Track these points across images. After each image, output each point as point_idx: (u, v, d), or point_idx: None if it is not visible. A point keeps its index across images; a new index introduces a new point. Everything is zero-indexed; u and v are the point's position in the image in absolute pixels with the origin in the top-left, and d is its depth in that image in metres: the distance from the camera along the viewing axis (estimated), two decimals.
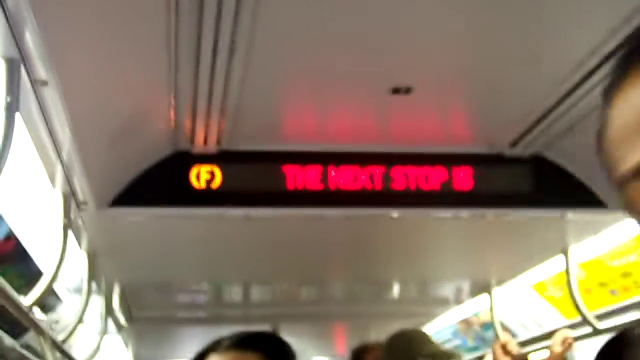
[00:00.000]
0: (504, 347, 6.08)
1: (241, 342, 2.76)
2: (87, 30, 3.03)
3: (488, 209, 4.83)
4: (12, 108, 2.80)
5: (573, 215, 4.92)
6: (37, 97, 3.10)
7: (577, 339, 5.91)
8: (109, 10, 3.01)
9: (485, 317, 8.13)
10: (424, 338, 5.55)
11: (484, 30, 3.51)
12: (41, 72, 2.95)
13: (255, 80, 3.85)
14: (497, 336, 6.81)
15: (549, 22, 3.46)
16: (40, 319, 4.65)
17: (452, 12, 3.35)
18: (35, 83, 3.00)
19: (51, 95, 3.09)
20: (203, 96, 3.95)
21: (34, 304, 4.27)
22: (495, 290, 7.18)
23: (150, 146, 4.47)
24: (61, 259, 4.25)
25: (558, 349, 5.51)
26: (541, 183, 4.88)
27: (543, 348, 6.65)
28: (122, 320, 7.77)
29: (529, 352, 6.69)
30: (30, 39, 2.73)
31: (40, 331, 4.69)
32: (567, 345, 5.54)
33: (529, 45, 3.66)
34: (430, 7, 3.29)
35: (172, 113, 4.16)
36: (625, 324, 5.82)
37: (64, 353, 5.42)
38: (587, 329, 5.83)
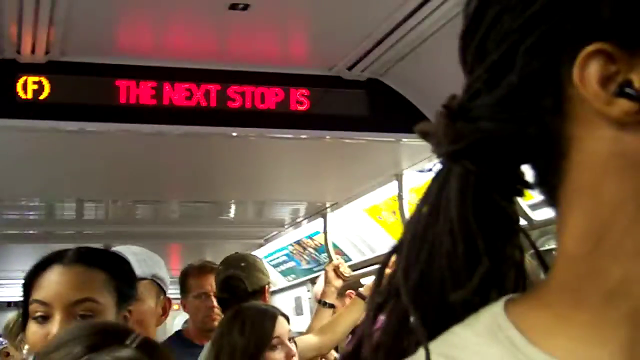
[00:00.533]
0: (336, 270, 6.20)
1: (87, 257, 2.68)
2: None
3: (324, 131, 4.83)
4: None
5: (407, 141, 4.97)
6: None
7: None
8: None
9: (319, 239, 8.23)
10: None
11: None
12: None
13: None
14: (330, 259, 6.89)
15: None
16: None
17: None
18: None
19: None
20: (29, 1, 3.75)
21: None
22: (330, 214, 7.25)
23: None
24: None
25: None
26: (377, 107, 4.92)
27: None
28: None
29: (361, 275, 6.81)
30: None
31: None
32: None
33: None
34: None
35: None
36: None
37: None
38: None
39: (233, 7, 3.97)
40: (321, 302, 5.94)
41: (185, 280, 5.85)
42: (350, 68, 4.77)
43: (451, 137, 1.00)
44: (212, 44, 4.44)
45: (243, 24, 4.15)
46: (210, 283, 5.53)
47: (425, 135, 1.07)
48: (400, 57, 4.58)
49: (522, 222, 1.14)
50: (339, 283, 6.16)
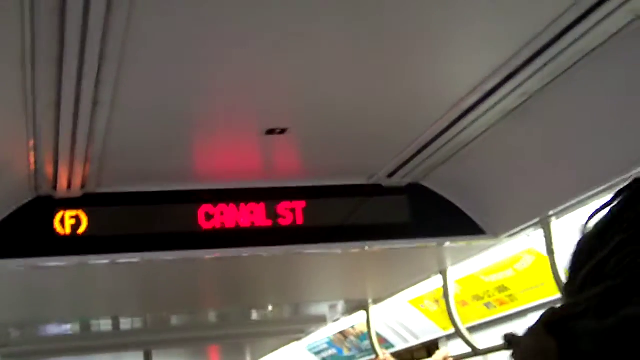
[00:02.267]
0: None
1: None
2: None
3: (366, 242, 4.71)
4: None
5: (451, 243, 4.86)
6: None
7: (457, 357, 5.93)
8: None
9: (360, 327, 8.09)
10: None
11: (359, 70, 3.40)
12: None
13: (120, 126, 3.63)
14: (375, 354, 6.73)
15: (429, 63, 3.39)
16: None
17: (327, 53, 3.23)
18: None
19: None
20: (65, 141, 3.69)
21: None
22: (373, 307, 7.11)
23: (9, 193, 4.16)
24: None
25: None
26: (419, 211, 4.81)
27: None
28: None
29: None
30: None
31: None
32: None
33: (406, 84, 3.58)
34: (301, 48, 3.16)
35: (31, 157, 3.88)
36: (499, 346, 5.84)
37: None
38: (466, 348, 5.80)
39: (270, 132, 3.91)
40: None
41: None
42: (390, 175, 4.67)
43: (549, 354, 0.92)
44: (248, 167, 4.36)
45: (280, 146, 4.09)
46: None
47: (512, 345, 0.99)
48: (442, 162, 4.49)
49: None
50: None
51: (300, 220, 4.58)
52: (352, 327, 8.47)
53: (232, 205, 4.49)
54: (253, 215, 4.51)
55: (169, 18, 2.82)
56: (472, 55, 3.35)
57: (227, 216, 4.48)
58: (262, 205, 4.53)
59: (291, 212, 4.57)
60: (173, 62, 3.14)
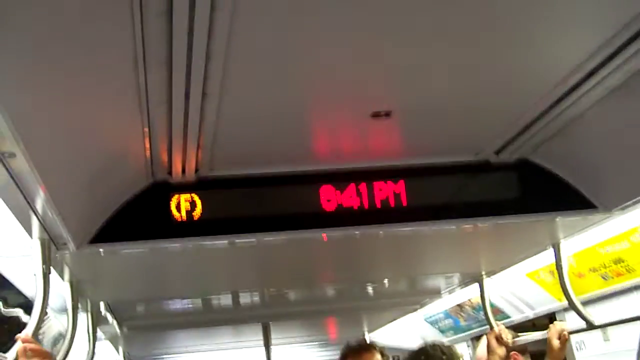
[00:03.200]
0: (498, 338, 6.06)
1: None
2: (53, 94, 2.92)
3: (478, 218, 4.73)
4: None
5: (562, 218, 4.83)
6: (5, 166, 2.97)
7: (573, 332, 5.89)
8: (75, 69, 2.90)
9: (476, 299, 8.08)
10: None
11: (465, 50, 3.41)
12: (8, 145, 2.81)
13: (230, 115, 3.75)
14: (490, 326, 6.72)
15: (534, 39, 3.38)
16: None
17: (429, 36, 3.25)
18: (3, 155, 2.87)
19: (20, 163, 2.96)
20: (178, 130, 3.83)
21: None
22: (486, 280, 7.10)
23: (127, 180, 4.35)
24: (42, 309, 4.12)
25: (556, 343, 5.46)
26: (529, 188, 4.80)
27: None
28: (110, 331, 7.70)
29: (523, 341, 6.61)
30: None
31: None
32: (564, 338, 5.49)
33: (511, 60, 3.57)
34: (405, 32, 3.20)
35: (147, 145, 4.04)
36: (617, 321, 5.79)
37: None
38: (581, 323, 5.75)
39: (375, 115, 3.97)
40: None
41: None
42: (498, 152, 4.67)
43: None
44: (356, 148, 4.42)
45: (385, 129, 4.14)
46: None
47: None
48: (549, 138, 4.46)
49: None
50: (502, 351, 6.02)
51: (412, 199, 4.64)
52: (469, 299, 8.48)
53: (346, 186, 4.58)
54: (364, 196, 4.59)
55: (271, 13, 2.89)
56: (576, 32, 3.34)
57: (340, 197, 4.57)
58: (372, 185, 4.60)
59: (403, 192, 4.63)
60: (278, 53, 3.22)
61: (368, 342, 6.79)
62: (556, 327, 5.60)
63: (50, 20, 2.50)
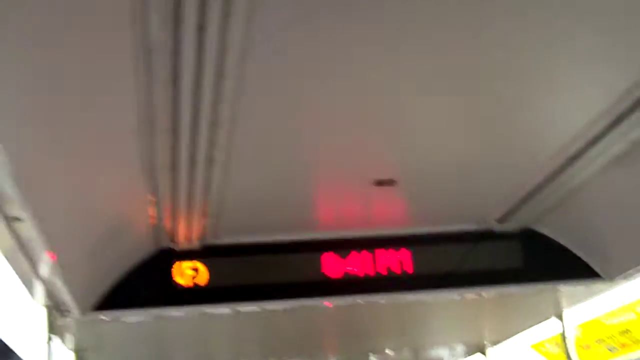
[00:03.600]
0: None
1: None
2: (61, 160, 2.95)
3: (481, 287, 4.73)
4: None
5: (565, 287, 4.84)
6: (12, 231, 3.00)
7: None
8: (82, 135, 2.93)
9: None
10: None
11: (468, 118, 3.45)
12: (16, 210, 2.84)
13: (235, 182, 3.77)
14: None
15: (536, 106, 3.40)
16: None
17: (433, 106, 3.29)
18: (9, 220, 2.90)
19: (27, 228, 2.99)
20: (183, 197, 3.85)
21: None
22: (490, 349, 7.06)
23: (132, 247, 4.36)
24: None
25: None
26: (531, 256, 4.81)
27: None
28: None
29: None
30: (0, 182, 2.62)
31: None
32: None
33: (514, 129, 3.60)
34: (409, 99, 3.23)
35: (152, 212, 4.06)
36: None
37: None
38: None
39: (379, 183, 4.00)
40: None
41: None
42: (501, 221, 4.69)
43: None
44: (358, 216, 4.44)
45: (389, 196, 4.17)
46: None
47: None
48: (552, 207, 4.48)
49: None
50: None
51: (415, 268, 4.66)
52: None
53: (348, 254, 4.61)
54: (368, 264, 4.61)
55: (275, 78, 2.94)
56: (578, 98, 3.36)
57: (343, 265, 4.59)
58: (375, 253, 4.62)
59: (405, 260, 4.65)
60: (282, 120, 3.26)
61: None
62: None
63: (57, 87, 2.54)
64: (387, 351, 7.02)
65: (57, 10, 2.18)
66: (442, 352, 7.45)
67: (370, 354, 7.08)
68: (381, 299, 4.63)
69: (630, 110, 3.32)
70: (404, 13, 2.62)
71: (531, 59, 3.00)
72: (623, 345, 6.16)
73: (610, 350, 6.31)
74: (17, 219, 2.89)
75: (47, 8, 2.15)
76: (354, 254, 4.61)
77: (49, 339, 4.26)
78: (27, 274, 3.57)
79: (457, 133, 3.62)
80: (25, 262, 3.31)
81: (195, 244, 4.47)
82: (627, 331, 6.00)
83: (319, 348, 6.44)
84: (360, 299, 4.60)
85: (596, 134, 3.58)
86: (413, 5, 2.59)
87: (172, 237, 4.42)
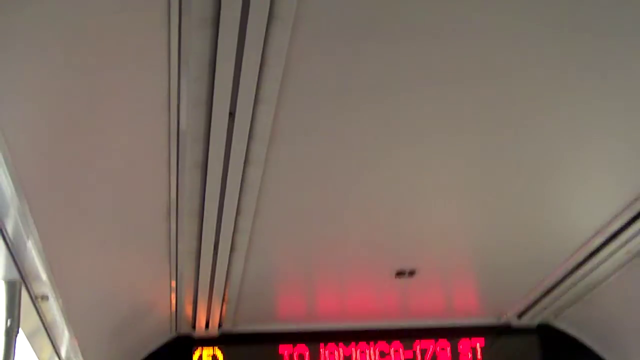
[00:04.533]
0: None
1: None
2: (87, 243, 3.00)
3: None
4: (11, 331, 2.73)
5: None
6: (37, 311, 3.03)
7: None
8: (114, 220, 2.99)
9: None
10: None
11: (489, 211, 3.49)
12: (42, 289, 2.88)
13: (255, 270, 3.83)
14: None
15: (557, 207, 3.46)
16: None
17: (453, 199, 3.34)
18: (35, 299, 2.94)
19: (52, 307, 3.02)
20: (204, 284, 3.90)
21: None
22: None
23: (152, 332, 4.40)
24: None
25: None
26: (550, 352, 4.81)
27: None
28: None
29: None
30: (31, 260, 2.67)
31: None
32: None
33: (535, 224, 3.64)
34: (428, 196, 3.29)
35: (173, 298, 4.10)
36: None
37: None
38: None
39: (399, 274, 4.04)
40: None
41: None
42: (520, 316, 4.70)
43: None
44: (376, 308, 4.47)
45: (409, 288, 4.19)
46: None
47: None
48: (571, 303, 4.49)
49: None
50: None
51: None
52: None
53: (369, 346, 4.63)
54: (388, 355, 4.61)
55: (298, 175, 3.01)
56: (598, 199, 3.41)
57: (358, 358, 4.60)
58: (396, 345, 4.63)
59: (426, 352, 4.65)
60: (304, 209, 3.31)
61: None
62: None
63: (91, 171, 2.60)
64: None
65: (91, 93, 2.26)
66: None
67: None
68: None
69: None
70: (434, 117, 2.70)
71: (559, 158, 3.09)
72: None
73: None
74: (44, 298, 2.92)
75: (84, 89, 2.23)
76: (369, 345, 4.62)
77: None
78: (49, 357, 3.57)
79: (478, 228, 3.67)
80: (48, 344, 3.32)
81: (214, 331, 4.51)
82: None
83: None
84: None
85: (616, 229, 3.64)
86: (444, 106, 2.67)
87: (192, 324, 4.45)
